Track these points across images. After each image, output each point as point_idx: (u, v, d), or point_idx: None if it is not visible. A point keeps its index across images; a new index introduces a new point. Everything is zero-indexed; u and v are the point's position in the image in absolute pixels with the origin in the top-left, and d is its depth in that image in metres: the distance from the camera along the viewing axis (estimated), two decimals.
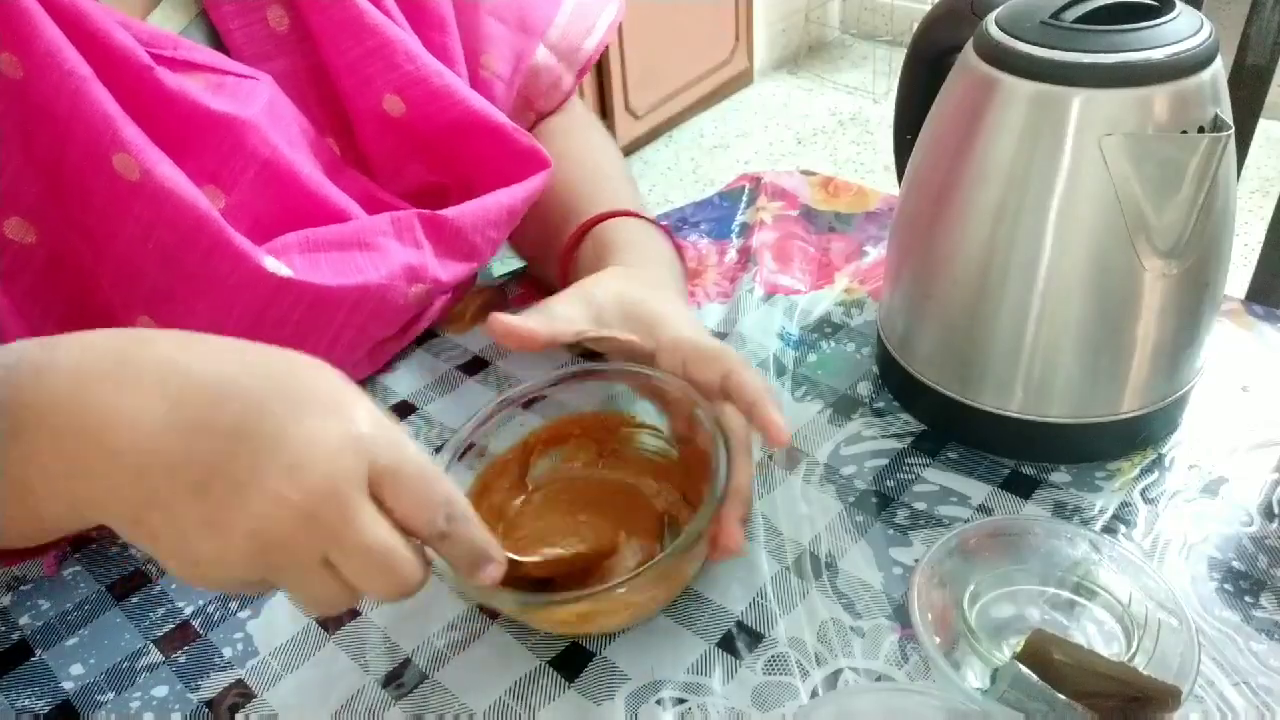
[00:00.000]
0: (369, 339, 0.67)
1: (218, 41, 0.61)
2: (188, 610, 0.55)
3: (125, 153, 0.52)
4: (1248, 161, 0.89)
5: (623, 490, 0.57)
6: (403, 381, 0.71)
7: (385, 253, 0.62)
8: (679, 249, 0.70)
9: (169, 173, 0.53)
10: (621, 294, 0.58)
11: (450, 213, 0.66)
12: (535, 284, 0.81)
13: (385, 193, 0.67)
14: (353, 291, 0.60)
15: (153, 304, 0.57)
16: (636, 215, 0.69)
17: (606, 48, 0.81)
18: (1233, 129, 0.52)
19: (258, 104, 0.58)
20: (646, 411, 0.59)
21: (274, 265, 0.56)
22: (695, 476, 0.54)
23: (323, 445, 0.36)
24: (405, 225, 0.64)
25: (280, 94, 0.61)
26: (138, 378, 0.37)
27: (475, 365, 0.73)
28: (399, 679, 0.51)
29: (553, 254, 0.71)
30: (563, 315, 0.56)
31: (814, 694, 0.49)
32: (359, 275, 0.61)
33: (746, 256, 0.81)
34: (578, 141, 0.79)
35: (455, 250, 0.67)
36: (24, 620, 0.55)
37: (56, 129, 0.52)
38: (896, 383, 0.66)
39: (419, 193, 0.69)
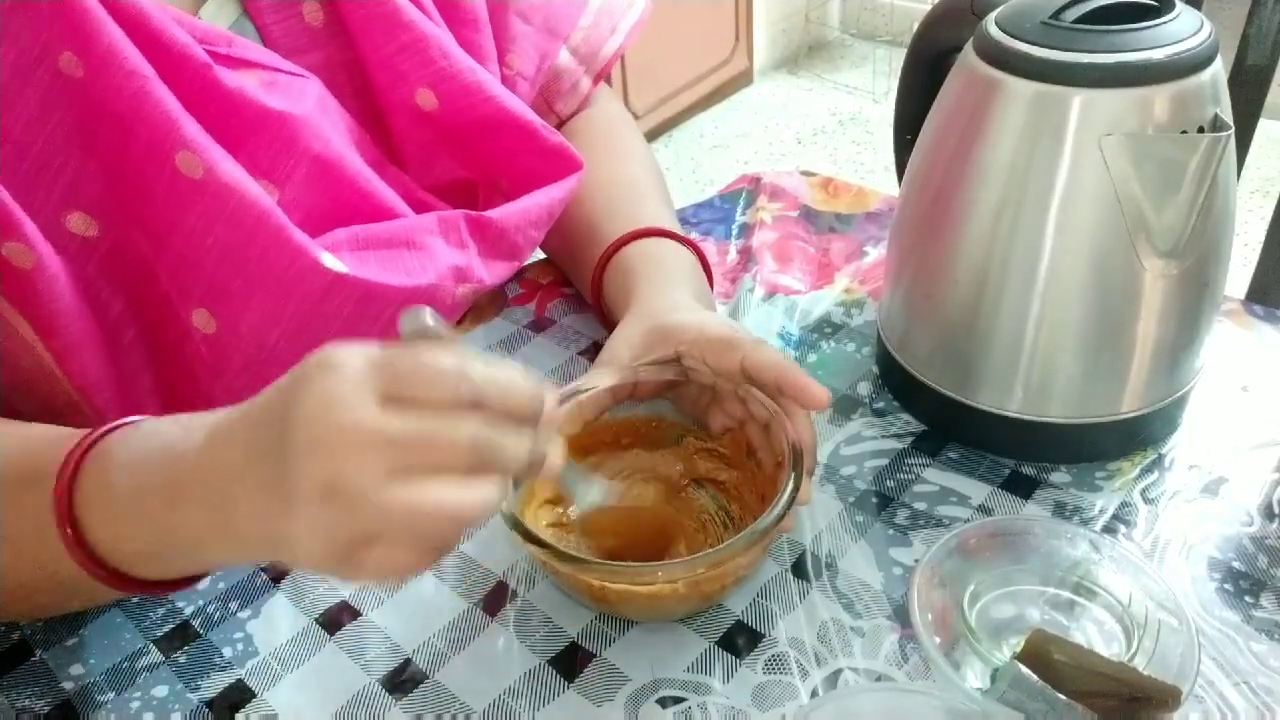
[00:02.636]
0: None
1: (261, 38, 0.62)
2: (188, 610, 0.55)
3: (189, 151, 0.53)
4: (1248, 161, 0.88)
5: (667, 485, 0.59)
6: None
7: (432, 252, 0.63)
8: (699, 253, 0.70)
9: (231, 170, 0.55)
10: (638, 334, 0.60)
11: (495, 214, 0.67)
12: (534, 285, 0.81)
13: (423, 191, 0.68)
14: (403, 290, 0.61)
15: (210, 297, 0.58)
16: (654, 232, 0.69)
17: None
18: (1233, 129, 0.52)
19: (309, 102, 0.60)
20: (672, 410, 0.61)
21: (330, 261, 0.58)
22: (741, 464, 0.57)
23: (316, 403, 0.37)
24: (451, 225, 0.65)
25: (328, 93, 0.62)
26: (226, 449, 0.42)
27: None
28: (399, 679, 0.51)
29: (580, 275, 0.73)
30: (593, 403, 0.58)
31: (814, 694, 0.49)
32: (408, 276, 0.62)
33: (747, 257, 0.81)
34: (602, 146, 0.79)
35: (499, 251, 0.68)
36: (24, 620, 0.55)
37: (119, 127, 0.53)
38: (896, 383, 0.66)
39: (448, 188, 0.70)
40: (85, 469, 0.44)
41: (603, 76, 0.82)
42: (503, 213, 0.67)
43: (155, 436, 0.45)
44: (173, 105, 0.53)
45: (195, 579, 0.48)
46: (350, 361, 0.37)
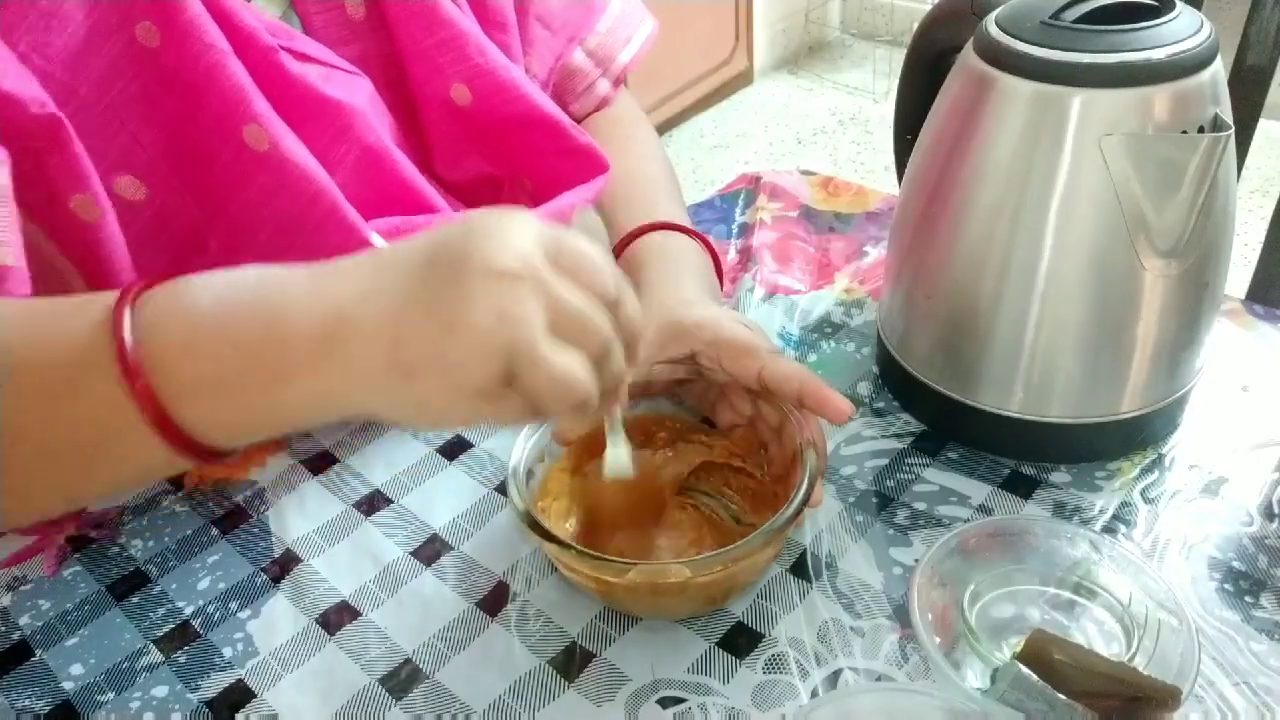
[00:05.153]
0: None
1: (304, 29, 0.63)
2: (188, 610, 0.55)
3: (257, 124, 0.55)
4: (1248, 161, 0.88)
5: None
6: None
7: None
8: (710, 249, 0.71)
9: (294, 146, 0.56)
10: (651, 330, 0.60)
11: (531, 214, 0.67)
12: None
13: (450, 197, 0.69)
14: None
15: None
16: (666, 226, 0.70)
17: None
18: (1233, 129, 0.52)
19: (362, 97, 0.61)
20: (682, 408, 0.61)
21: (380, 242, 0.59)
22: (750, 462, 0.58)
23: (496, 232, 0.38)
24: None
25: (376, 95, 0.64)
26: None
27: None
28: (399, 679, 0.51)
29: None
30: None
31: (814, 694, 0.49)
32: None
33: (747, 256, 0.81)
34: (618, 145, 0.80)
35: None
36: (24, 620, 0.55)
37: (188, 97, 0.54)
38: (896, 383, 0.66)
39: (474, 183, 0.71)
40: (153, 290, 0.40)
41: (621, 81, 0.82)
42: (537, 214, 0.67)
43: (244, 271, 0.41)
44: (245, 80, 0.55)
45: (223, 453, 0.43)
46: (521, 216, 0.39)
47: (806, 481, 0.50)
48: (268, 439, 0.47)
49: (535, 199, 0.71)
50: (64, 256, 0.53)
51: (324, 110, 0.59)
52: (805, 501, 0.50)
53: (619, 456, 0.50)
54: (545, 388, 0.38)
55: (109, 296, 0.40)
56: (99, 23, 0.52)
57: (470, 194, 0.71)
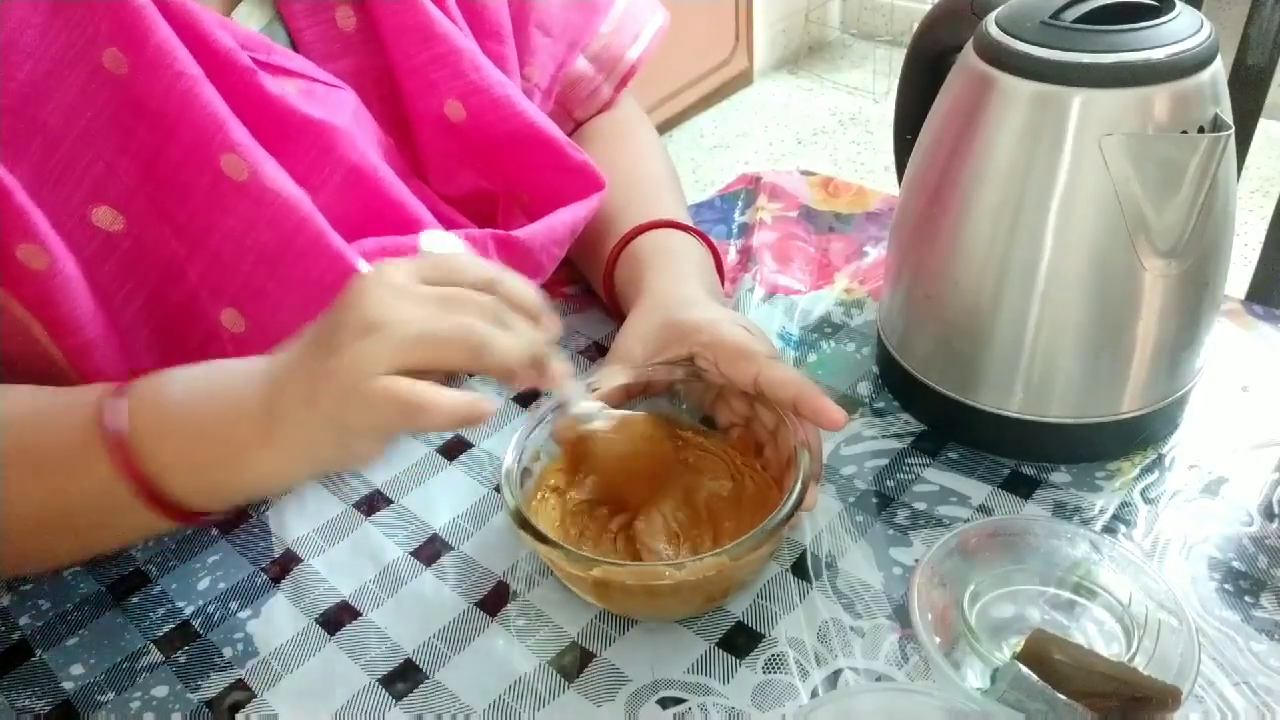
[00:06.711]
0: None
1: (292, 42, 0.62)
2: (188, 610, 0.55)
3: (234, 154, 0.54)
4: (1248, 161, 0.89)
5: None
6: None
7: None
8: (711, 247, 0.71)
9: (274, 174, 0.55)
10: (650, 330, 0.60)
11: (522, 234, 0.67)
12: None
13: (445, 205, 0.69)
14: None
15: (241, 298, 0.58)
16: (667, 224, 0.70)
17: None
18: (1233, 129, 0.52)
19: (345, 112, 0.60)
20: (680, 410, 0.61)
21: (365, 268, 0.58)
22: (747, 463, 0.58)
23: (367, 278, 0.44)
24: (479, 244, 0.66)
25: (362, 106, 0.63)
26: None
27: None
28: (399, 679, 0.51)
29: (593, 267, 0.73)
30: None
31: (814, 694, 0.49)
32: None
33: (747, 257, 0.81)
34: (620, 145, 0.79)
35: (524, 269, 0.69)
36: (24, 620, 0.55)
37: (160, 125, 0.53)
38: (896, 383, 0.66)
39: (468, 198, 0.70)
40: (135, 383, 0.48)
41: (625, 83, 0.82)
42: (529, 232, 0.67)
43: (215, 364, 0.49)
44: (220, 107, 0.53)
45: (203, 514, 0.51)
46: (393, 262, 0.44)
47: (800, 484, 0.50)
48: (251, 500, 0.57)
49: (530, 213, 0.71)
50: (18, 303, 0.52)
51: (305, 131, 0.58)
52: (798, 504, 0.50)
53: (585, 411, 0.53)
54: (461, 343, 0.42)
55: (99, 390, 0.48)
56: (63, 51, 0.51)
57: (465, 207, 0.70)
